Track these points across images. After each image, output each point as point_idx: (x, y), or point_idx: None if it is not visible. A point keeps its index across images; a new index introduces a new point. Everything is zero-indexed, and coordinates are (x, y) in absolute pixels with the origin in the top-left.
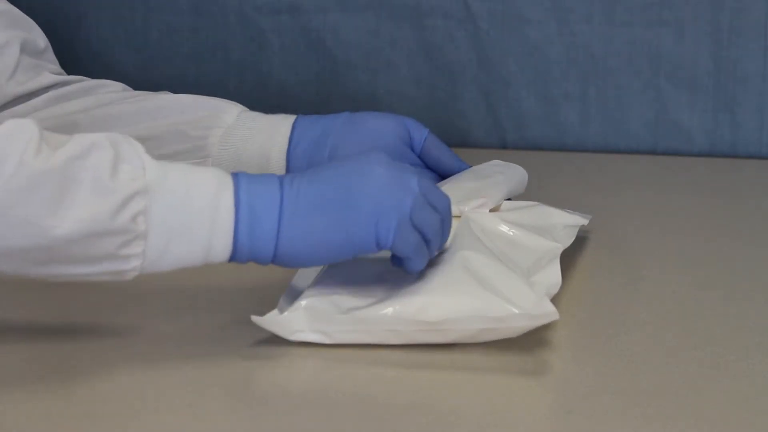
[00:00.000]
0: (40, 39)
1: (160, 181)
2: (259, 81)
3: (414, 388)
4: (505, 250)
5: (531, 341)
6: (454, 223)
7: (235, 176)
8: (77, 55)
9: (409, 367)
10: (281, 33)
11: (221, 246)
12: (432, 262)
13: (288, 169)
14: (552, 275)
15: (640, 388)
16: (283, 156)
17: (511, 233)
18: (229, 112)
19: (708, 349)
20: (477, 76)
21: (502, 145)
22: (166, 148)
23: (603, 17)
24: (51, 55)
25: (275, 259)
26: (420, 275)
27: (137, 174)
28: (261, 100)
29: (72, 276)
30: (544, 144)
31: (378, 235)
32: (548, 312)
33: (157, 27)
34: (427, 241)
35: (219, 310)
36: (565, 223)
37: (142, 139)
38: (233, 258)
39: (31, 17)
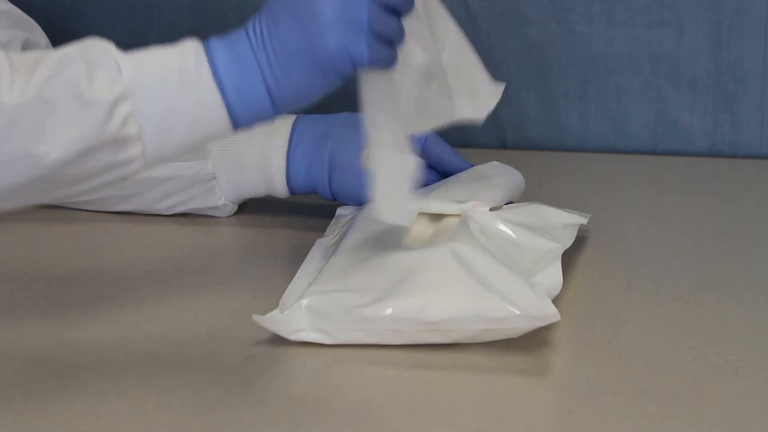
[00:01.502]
0: (41, 39)
1: (138, 77)
2: None
3: (414, 388)
4: (505, 251)
5: (531, 341)
6: (453, 220)
7: (208, 49)
8: None
9: (409, 367)
10: None
11: (218, 121)
12: (432, 258)
13: (288, 169)
14: (553, 276)
15: (640, 388)
16: (283, 156)
17: (511, 233)
18: None
19: (708, 349)
20: None
21: (502, 145)
22: None
23: (603, 17)
24: None
25: (277, 112)
26: (420, 273)
27: (114, 77)
28: None
29: (77, 194)
30: (544, 144)
31: (353, 58)
32: (549, 313)
33: (157, 27)
34: (395, 41)
35: (219, 310)
36: (565, 222)
37: None
38: (236, 128)
39: (31, 17)
